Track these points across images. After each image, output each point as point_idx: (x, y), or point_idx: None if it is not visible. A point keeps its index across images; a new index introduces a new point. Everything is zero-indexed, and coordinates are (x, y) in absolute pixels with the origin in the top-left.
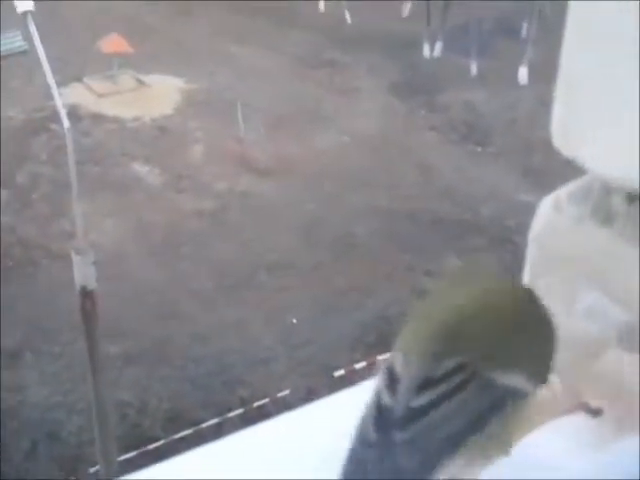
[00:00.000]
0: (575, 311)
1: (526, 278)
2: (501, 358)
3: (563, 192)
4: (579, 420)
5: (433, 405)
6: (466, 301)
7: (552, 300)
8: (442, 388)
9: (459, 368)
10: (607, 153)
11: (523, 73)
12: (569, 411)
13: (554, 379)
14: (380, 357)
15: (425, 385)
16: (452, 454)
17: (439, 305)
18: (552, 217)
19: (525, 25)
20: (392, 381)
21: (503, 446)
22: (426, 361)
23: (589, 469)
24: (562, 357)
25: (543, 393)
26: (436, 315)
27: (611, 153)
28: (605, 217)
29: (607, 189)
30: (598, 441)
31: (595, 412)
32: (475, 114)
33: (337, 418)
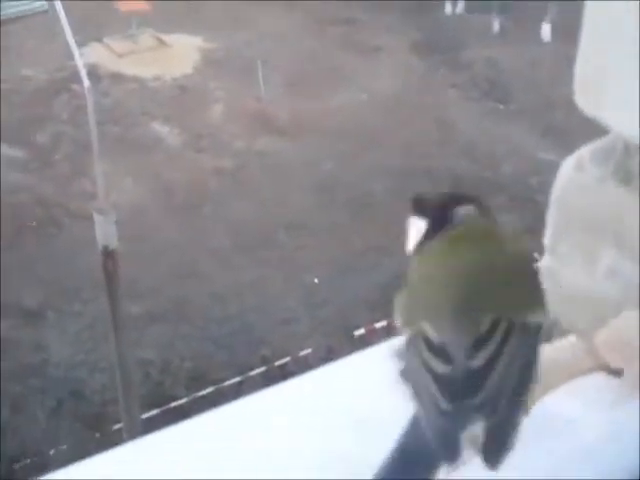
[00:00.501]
0: (596, 272)
1: (547, 238)
2: (523, 301)
3: (586, 152)
4: (599, 380)
5: (491, 363)
6: (468, 262)
7: (573, 260)
8: (492, 345)
9: (497, 322)
10: (629, 112)
11: (546, 30)
12: (589, 371)
13: (575, 339)
14: None
15: (475, 346)
16: (524, 399)
17: (449, 266)
18: (574, 177)
19: None
20: (436, 350)
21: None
22: (463, 324)
23: (607, 428)
24: (583, 317)
25: (565, 353)
26: (451, 278)
27: (633, 112)
28: (626, 177)
29: (629, 149)
30: (617, 400)
31: (616, 372)
32: (497, 71)
33: (358, 377)
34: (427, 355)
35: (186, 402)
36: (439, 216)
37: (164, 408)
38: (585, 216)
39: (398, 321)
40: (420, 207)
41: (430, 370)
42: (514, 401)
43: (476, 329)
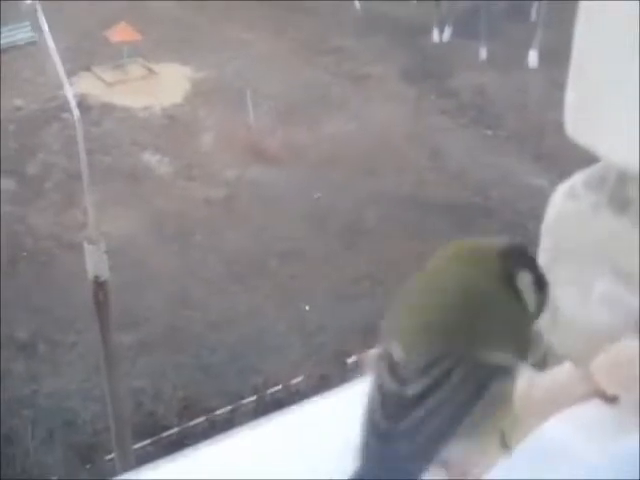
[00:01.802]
0: (591, 299)
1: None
2: (484, 339)
3: (578, 180)
4: (595, 407)
5: (428, 391)
6: (448, 286)
7: (568, 288)
8: (434, 374)
9: (447, 354)
10: (622, 140)
11: (533, 56)
12: (585, 398)
13: (570, 366)
14: None
15: (421, 372)
16: (448, 438)
17: (425, 291)
18: (567, 205)
19: (535, 8)
20: (393, 367)
21: (498, 423)
22: (419, 349)
23: (606, 458)
24: (578, 344)
25: (560, 380)
26: (423, 302)
27: (626, 140)
28: (621, 205)
29: (623, 177)
30: (614, 429)
31: (611, 399)
32: (485, 98)
33: (351, 407)
34: (384, 371)
35: (178, 432)
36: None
37: (156, 438)
38: (579, 243)
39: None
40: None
41: (381, 386)
42: (437, 435)
43: (428, 355)
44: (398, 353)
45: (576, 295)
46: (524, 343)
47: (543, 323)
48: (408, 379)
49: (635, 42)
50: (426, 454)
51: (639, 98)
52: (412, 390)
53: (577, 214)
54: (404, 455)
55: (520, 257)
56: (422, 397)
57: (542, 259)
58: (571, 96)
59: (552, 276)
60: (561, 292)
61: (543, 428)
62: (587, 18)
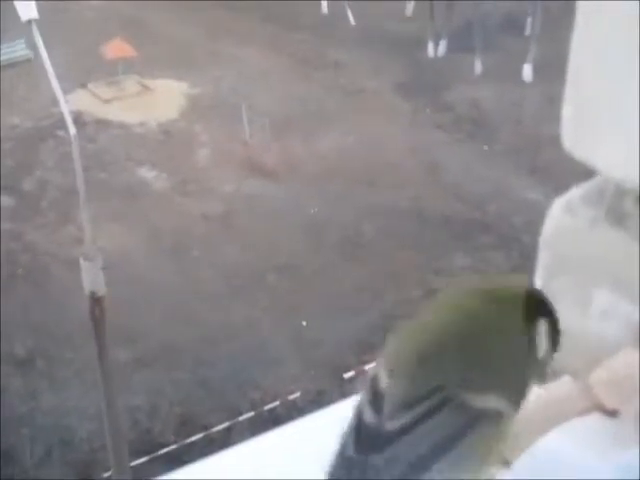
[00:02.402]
0: (590, 312)
1: (538, 281)
2: (476, 381)
3: (575, 194)
4: (595, 421)
5: (408, 428)
6: (446, 323)
7: (566, 302)
8: (417, 411)
9: (435, 391)
10: (619, 155)
11: (528, 70)
12: (585, 412)
13: (569, 380)
14: None
15: (404, 407)
16: (425, 476)
17: (423, 326)
18: (565, 219)
19: (529, 22)
20: (376, 398)
21: (483, 466)
22: (407, 382)
23: (606, 471)
24: (576, 358)
25: (559, 394)
26: (419, 336)
27: (623, 155)
28: (619, 218)
29: (620, 190)
30: (614, 442)
31: (611, 413)
32: (480, 112)
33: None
34: (365, 400)
35: (175, 448)
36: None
37: (153, 455)
38: (577, 257)
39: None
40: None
41: (360, 415)
42: (409, 474)
43: (411, 391)
44: (384, 383)
45: (575, 308)
46: (522, 390)
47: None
48: (390, 412)
49: (632, 55)
50: None
51: (637, 112)
52: (391, 425)
53: (575, 228)
54: None
55: (540, 303)
56: (401, 433)
57: (540, 273)
58: (568, 110)
59: (551, 290)
60: (559, 306)
61: (543, 442)
62: (583, 32)
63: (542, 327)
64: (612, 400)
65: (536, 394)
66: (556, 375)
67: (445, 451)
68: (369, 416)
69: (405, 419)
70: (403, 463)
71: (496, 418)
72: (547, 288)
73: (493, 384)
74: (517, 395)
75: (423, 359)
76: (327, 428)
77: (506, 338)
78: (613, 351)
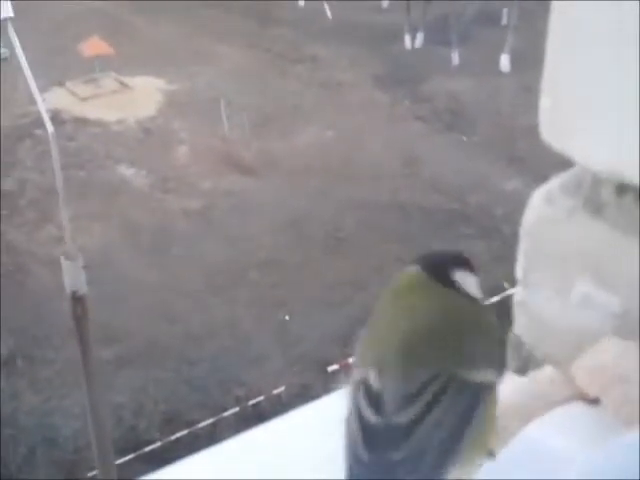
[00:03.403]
0: (570, 302)
1: (519, 271)
2: (468, 358)
3: (555, 184)
4: (577, 409)
5: (419, 418)
6: (421, 308)
7: (547, 291)
8: (423, 400)
9: (434, 377)
10: (596, 145)
11: (505, 60)
12: (567, 401)
13: (550, 369)
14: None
15: (407, 400)
16: (450, 461)
17: (396, 315)
18: (544, 209)
19: (505, 12)
20: (372, 398)
21: (487, 439)
22: (400, 376)
23: (588, 459)
24: (559, 348)
25: (540, 383)
26: (397, 325)
27: (600, 144)
28: (597, 208)
29: (597, 180)
30: (596, 431)
31: (593, 401)
32: (459, 103)
33: (333, 418)
34: (362, 402)
35: (160, 446)
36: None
37: (139, 453)
38: (557, 247)
39: (354, 361)
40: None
41: (361, 418)
42: (440, 460)
43: (413, 382)
44: (377, 382)
45: (555, 298)
46: (503, 357)
47: (522, 327)
48: (392, 408)
49: (610, 45)
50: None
51: (614, 102)
52: (401, 419)
53: (554, 218)
54: None
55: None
56: (414, 424)
57: (521, 263)
58: (545, 100)
59: (531, 279)
60: (540, 296)
61: (525, 431)
62: (559, 21)
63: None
64: (593, 388)
65: (518, 383)
66: (538, 365)
67: (463, 429)
68: (371, 417)
69: (414, 410)
70: (430, 452)
71: (491, 389)
72: (528, 278)
73: (481, 358)
74: (501, 363)
75: (407, 351)
76: (313, 423)
77: (474, 313)
78: (594, 340)
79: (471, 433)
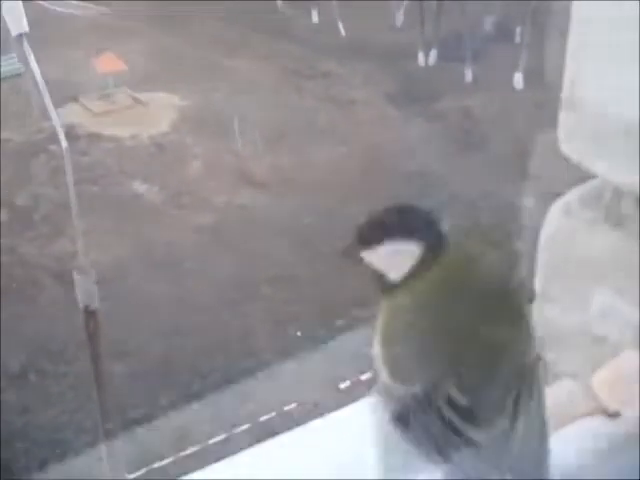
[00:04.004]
0: (590, 314)
1: (538, 283)
2: (521, 341)
3: (573, 196)
4: (597, 423)
5: (512, 422)
6: (468, 298)
7: (566, 303)
8: (508, 400)
9: (504, 372)
10: (617, 158)
11: (518, 78)
12: (587, 415)
13: (570, 382)
14: None
15: (498, 407)
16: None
17: (444, 312)
18: (563, 221)
19: (519, 30)
20: (464, 414)
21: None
22: (486, 383)
23: (608, 473)
24: (577, 360)
25: (560, 396)
26: (450, 332)
27: (621, 157)
28: (617, 220)
29: (618, 192)
30: (617, 444)
31: (613, 415)
32: (472, 120)
33: (345, 431)
34: (456, 419)
35: (172, 461)
36: (433, 239)
37: (150, 468)
38: (576, 259)
39: (387, 372)
40: (389, 230)
41: (460, 434)
42: (540, 458)
43: (494, 389)
44: (460, 397)
45: (575, 310)
46: (528, 320)
47: (542, 340)
48: (485, 416)
49: (629, 60)
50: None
51: (635, 115)
52: (503, 424)
53: (573, 230)
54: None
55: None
56: (512, 426)
57: (540, 275)
58: (565, 114)
59: (551, 292)
60: (560, 308)
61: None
62: (579, 36)
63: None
64: (614, 402)
65: None
66: (557, 377)
67: (544, 417)
68: (475, 434)
69: (507, 414)
70: (533, 440)
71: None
72: (547, 290)
73: (525, 338)
74: (528, 328)
75: (475, 355)
76: (324, 437)
77: (498, 296)
78: (613, 352)
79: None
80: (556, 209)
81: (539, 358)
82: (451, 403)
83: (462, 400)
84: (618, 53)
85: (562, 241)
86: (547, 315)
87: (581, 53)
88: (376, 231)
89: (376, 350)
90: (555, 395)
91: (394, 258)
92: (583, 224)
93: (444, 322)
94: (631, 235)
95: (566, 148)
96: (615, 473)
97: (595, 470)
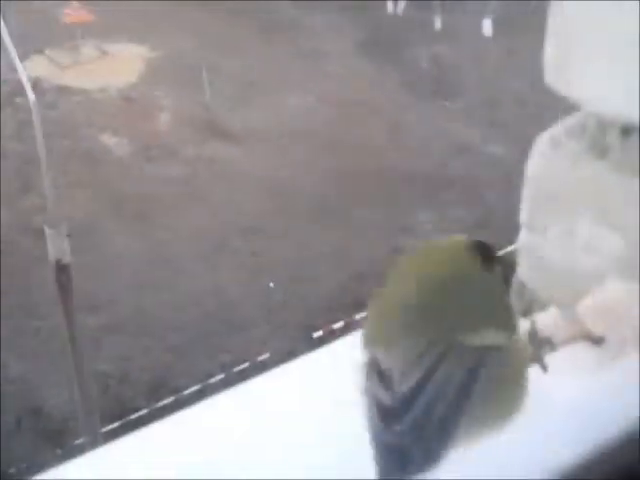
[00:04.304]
0: (574, 244)
1: (524, 214)
2: (468, 322)
3: (559, 129)
4: (581, 349)
5: (419, 387)
6: (421, 280)
7: (552, 235)
8: (422, 368)
9: (432, 344)
10: (601, 88)
11: (487, 25)
12: (572, 341)
13: (555, 310)
14: (358, 316)
15: (408, 371)
16: (455, 428)
17: (399, 291)
18: (549, 153)
19: None
20: (382, 376)
21: (501, 407)
22: (403, 348)
23: (585, 392)
24: (562, 291)
25: (545, 324)
26: (399, 301)
27: (605, 88)
28: (602, 151)
29: (602, 124)
30: (597, 366)
31: (597, 340)
32: (441, 68)
33: (315, 376)
34: (374, 381)
35: (147, 413)
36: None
37: (125, 420)
38: (562, 191)
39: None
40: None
41: (374, 397)
42: (444, 426)
43: (413, 353)
44: (385, 361)
45: (560, 241)
46: (509, 317)
47: (527, 270)
48: (398, 382)
49: None
50: (435, 449)
51: (619, 46)
52: (403, 389)
53: (559, 162)
54: (413, 456)
55: (484, 248)
56: (415, 394)
57: (526, 207)
58: (550, 47)
59: (536, 223)
60: (545, 238)
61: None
62: None
63: (493, 265)
64: (598, 327)
65: (522, 325)
66: (542, 307)
67: (469, 392)
68: (383, 395)
69: (413, 379)
70: (433, 419)
71: (499, 353)
72: (533, 222)
73: (481, 320)
74: (508, 323)
75: (407, 324)
76: (295, 381)
77: (472, 279)
78: (598, 282)
79: (479, 395)
80: (542, 142)
81: (493, 349)
82: (376, 365)
83: (384, 363)
84: None
85: (548, 173)
86: (532, 246)
87: None
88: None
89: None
90: (541, 323)
91: None
92: (568, 156)
93: (392, 300)
94: (615, 166)
95: (551, 80)
96: (592, 390)
97: (573, 389)
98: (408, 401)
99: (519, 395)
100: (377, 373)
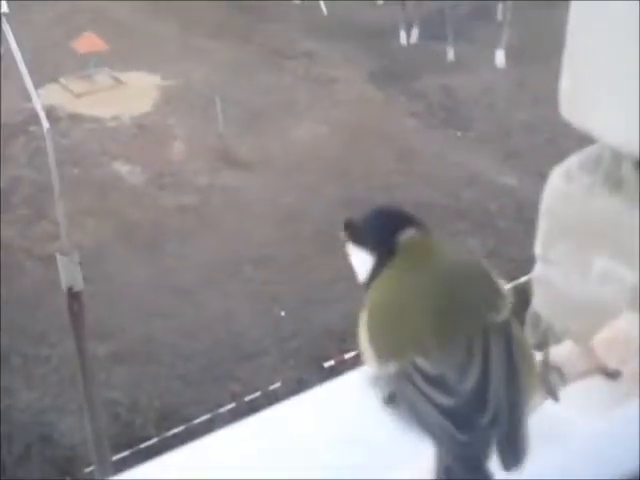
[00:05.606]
0: (589, 277)
1: (539, 247)
2: (488, 305)
3: (573, 162)
4: (597, 382)
5: (483, 378)
6: (425, 283)
7: (566, 267)
8: (476, 360)
9: (472, 333)
10: (617, 121)
11: (500, 56)
12: (587, 374)
13: (571, 343)
14: None
15: (463, 368)
16: (524, 405)
17: (414, 294)
18: (564, 187)
19: (500, 8)
20: (436, 383)
21: (533, 365)
22: (448, 350)
23: (605, 424)
24: (577, 322)
25: (561, 357)
26: (411, 308)
27: (621, 121)
28: (616, 184)
29: (617, 157)
30: (615, 399)
31: (613, 374)
32: (454, 99)
33: (327, 408)
34: (428, 389)
35: (157, 442)
36: (384, 248)
37: (135, 449)
38: (576, 224)
39: (369, 356)
40: (358, 236)
41: (435, 404)
42: (514, 402)
43: (460, 351)
44: (431, 367)
45: (575, 273)
46: (499, 287)
47: (542, 303)
48: (458, 383)
49: (629, 23)
50: (518, 424)
51: (635, 79)
52: (468, 386)
53: (573, 195)
54: (503, 434)
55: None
56: (483, 384)
57: (540, 240)
58: (565, 80)
59: (551, 255)
60: (560, 271)
61: (546, 405)
62: (580, 5)
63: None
64: (613, 361)
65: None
66: (557, 339)
67: (516, 363)
68: (446, 401)
69: (474, 372)
70: (503, 403)
71: (513, 320)
72: (548, 254)
73: (493, 298)
74: (505, 297)
75: (439, 328)
76: (306, 412)
77: (462, 270)
78: (612, 315)
79: (520, 366)
80: (556, 174)
81: (509, 319)
82: (422, 374)
83: (430, 369)
84: (617, 17)
85: (562, 206)
86: (547, 278)
87: (581, 18)
88: (350, 234)
89: (359, 338)
90: (556, 356)
91: (358, 263)
92: (582, 189)
93: (402, 309)
94: (630, 199)
95: (566, 112)
96: (612, 423)
97: (593, 421)
98: (480, 393)
99: (534, 359)
100: (425, 381)
